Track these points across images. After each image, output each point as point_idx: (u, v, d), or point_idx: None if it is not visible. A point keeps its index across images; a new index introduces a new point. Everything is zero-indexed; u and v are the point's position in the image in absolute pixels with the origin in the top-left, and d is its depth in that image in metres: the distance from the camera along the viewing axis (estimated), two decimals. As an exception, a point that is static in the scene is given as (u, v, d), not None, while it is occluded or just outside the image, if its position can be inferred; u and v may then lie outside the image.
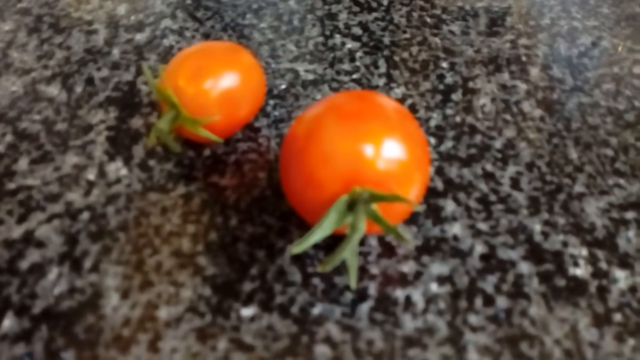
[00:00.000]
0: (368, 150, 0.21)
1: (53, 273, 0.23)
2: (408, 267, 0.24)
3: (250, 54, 0.29)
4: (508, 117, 0.31)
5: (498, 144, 0.29)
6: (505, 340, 0.21)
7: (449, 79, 0.33)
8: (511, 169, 0.28)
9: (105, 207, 0.26)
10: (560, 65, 0.34)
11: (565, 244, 0.25)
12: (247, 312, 0.22)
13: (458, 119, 0.31)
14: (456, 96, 0.32)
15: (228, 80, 0.27)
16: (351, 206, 0.21)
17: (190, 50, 0.27)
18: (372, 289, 0.23)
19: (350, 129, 0.21)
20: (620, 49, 0.35)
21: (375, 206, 0.21)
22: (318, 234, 0.21)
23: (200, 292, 0.23)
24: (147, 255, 0.24)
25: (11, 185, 0.27)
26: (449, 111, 0.31)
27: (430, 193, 0.27)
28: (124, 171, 0.28)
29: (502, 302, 0.23)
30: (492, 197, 0.26)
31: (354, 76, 0.34)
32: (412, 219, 0.26)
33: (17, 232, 0.25)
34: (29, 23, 0.39)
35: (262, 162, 0.28)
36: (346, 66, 0.35)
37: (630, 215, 0.26)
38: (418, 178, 0.22)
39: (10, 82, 0.34)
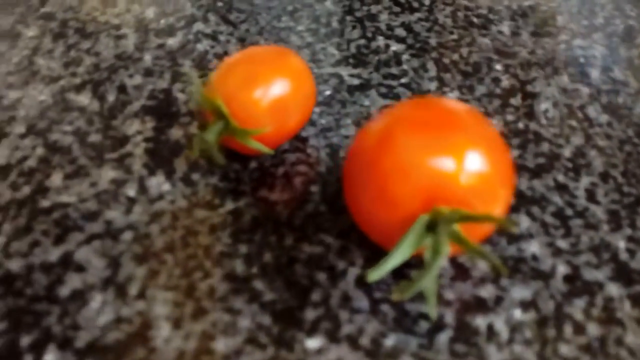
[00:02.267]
0: (449, 163, 0.19)
1: (96, 301, 0.21)
2: (487, 292, 0.21)
3: (300, 58, 0.27)
4: (574, 123, 0.29)
5: (567, 152, 0.27)
6: (604, 374, 0.19)
7: (505, 82, 0.31)
8: (585, 180, 0.26)
9: (149, 226, 0.24)
10: (621, 67, 0.32)
11: (655, 263, 0.22)
12: (312, 343, 0.20)
13: (521, 125, 0.29)
14: (515, 101, 0.30)
15: (279, 88, 0.25)
16: (430, 227, 0.19)
17: (237, 57, 0.25)
18: (449, 316, 0.21)
19: (428, 140, 0.19)
20: (684, 48, 0.33)
21: (457, 227, 0.19)
22: (397, 258, 0.18)
23: (259, 321, 0.21)
24: (198, 279, 0.22)
25: (45, 203, 0.25)
26: (509, 117, 0.29)
27: (499, 207, 0.25)
28: (166, 186, 0.26)
29: (593, 329, 0.20)
30: (569, 211, 0.24)
31: (403, 80, 0.32)
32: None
33: (54, 254, 0.23)
34: (54, 28, 0.37)
35: (312, 174, 0.26)
36: (393, 70, 0.33)
37: None
38: (502, 193, 0.20)
39: (37, 91, 0.32)
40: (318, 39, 0.35)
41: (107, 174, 0.27)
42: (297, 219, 0.24)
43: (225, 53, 0.34)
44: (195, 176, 0.26)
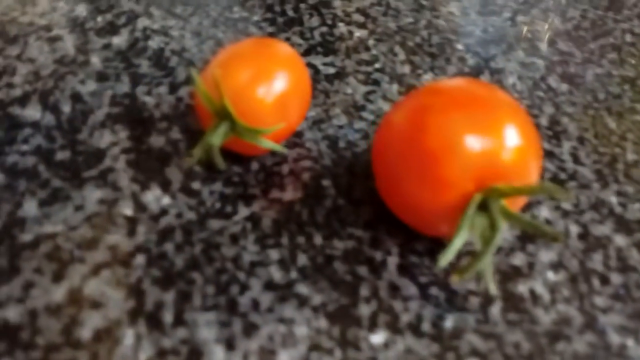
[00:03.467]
0: (491, 140, 0.19)
1: (129, 336, 0.19)
2: (519, 260, 0.23)
3: (292, 48, 0.25)
4: (541, 93, 0.31)
5: (544, 121, 0.29)
6: (636, 315, 0.21)
7: (470, 61, 0.33)
8: (566, 145, 0.28)
9: (162, 245, 0.22)
10: (563, 39, 0.35)
11: (643, 212, 0.25)
12: (377, 338, 0.20)
13: (497, 100, 0.30)
14: (485, 77, 0.32)
15: (281, 83, 0.23)
16: (480, 205, 0.19)
17: (230, 53, 0.24)
18: (494, 289, 0.21)
19: (467, 118, 0.19)
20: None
21: (505, 203, 0.19)
22: (459, 240, 0.19)
23: (317, 326, 0.20)
24: (237, 293, 0.20)
25: (26, 237, 0.22)
26: (485, 93, 0.30)
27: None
28: (166, 199, 0.23)
29: (616, 278, 0.22)
30: (563, 175, 0.26)
31: (377, 65, 0.32)
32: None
33: (58, 293, 0.20)
34: (-34, 34, 0.31)
35: (319, 168, 0.26)
36: (364, 55, 0.32)
37: (683, 175, 0.27)
38: (535, 166, 0.20)
39: (-31, 108, 0.27)
40: (279, 29, 0.34)
41: (92, 195, 0.23)
42: (319, 216, 0.23)
43: (183, 49, 0.32)
44: (196, 185, 0.24)
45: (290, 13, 0.35)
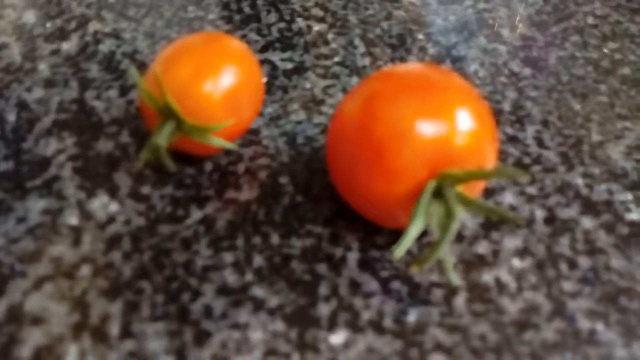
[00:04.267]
0: (443, 125, 0.18)
1: (72, 353, 0.18)
2: (483, 248, 0.22)
3: (241, 42, 0.24)
4: (503, 79, 0.30)
5: (507, 106, 0.29)
6: (605, 299, 0.20)
7: (431, 50, 0.32)
8: (530, 129, 0.27)
9: (108, 255, 0.21)
10: (525, 25, 0.35)
11: (610, 192, 0.24)
12: (336, 338, 0.19)
13: (459, 87, 0.29)
14: (446, 66, 0.31)
15: (229, 78, 0.22)
16: (435, 193, 0.19)
17: (174, 49, 0.23)
18: (458, 279, 0.21)
19: (417, 104, 0.19)
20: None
21: (461, 189, 0.19)
22: (414, 229, 0.18)
23: (273, 329, 0.19)
24: (188, 300, 0.19)
25: None
26: (447, 81, 0.30)
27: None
28: (113, 206, 0.22)
29: (584, 262, 0.22)
30: (527, 160, 0.26)
31: (336, 59, 0.31)
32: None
33: (-4, 311, 0.19)
34: None
35: (276, 166, 0.25)
36: (323, 50, 0.32)
37: (648, 154, 0.27)
38: (491, 149, 0.20)
39: None
40: (235, 26, 0.33)
41: (36, 205, 0.22)
42: (277, 215, 0.23)
43: (135, 51, 0.31)
44: (145, 189, 0.23)
45: (247, 10, 0.34)
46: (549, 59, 0.32)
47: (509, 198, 0.24)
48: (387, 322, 0.19)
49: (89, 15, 0.33)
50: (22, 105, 0.27)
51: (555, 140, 0.27)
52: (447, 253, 0.18)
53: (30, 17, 0.33)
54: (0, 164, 0.24)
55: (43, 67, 0.29)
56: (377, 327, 0.19)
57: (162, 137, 0.21)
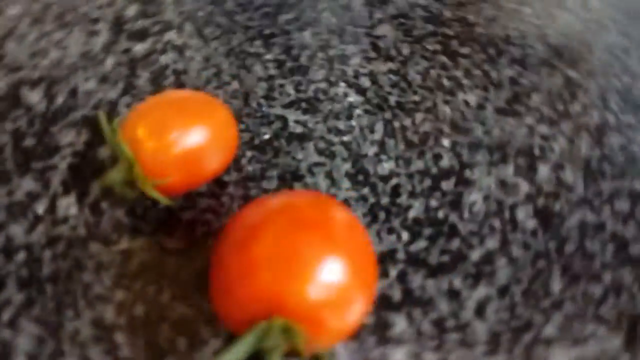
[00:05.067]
0: (298, 272, 0.19)
1: (-32, 319, 0.23)
2: (330, 394, 0.22)
3: (225, 108, 0.26)
4: (497, 223, 0.28)
5: (476, 255, 0.26)
6: None
7: (445, 162, 0.30)
8: (481, 291, 0.25)
9: (44, 251, 0.25)
10: (575, 167, 0.31)
11: (513, 401, 0.22)
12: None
13: (441, 214, 0.28)
14: (447, 185, 0.29)
15: (195, 137, 0.25)
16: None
17: (156, 100, 0.25)
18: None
19: (280, 247, 0.19)
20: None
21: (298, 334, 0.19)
22: (231, 355, 0.19)
23: (107, 375, 0.22)
24: (68, 318, 0.23)
25: (-40, 204, 0.26)
26: (433, 202, 0.28)
27: (385, 303, 0.24)
28: (73, 210, 0.27)
29: None
30: (450, 323, 0.24)
31: (345, 138, 0.31)
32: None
33: (-51, 260, 0.24)
34: (36, 11, 0.37)
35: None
36: (340, 124, 0.32)
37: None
38: (358, 307, 0.19)
39: (-5, 79, 0.33)
40: (280, 74, 0.35)
41: (27, 185, 0.27)
42: (184, 274, 0.25)
43: (184, 72, 0.34)
44: (105, 205, 0.27)
45: (304, 60, 0.36)
46: (569, 220, 0.28)
47: (399, 354, 0.23)
48: (196, 419, 0.21)
49: (173, 23, 0.38)
50: (72, 93, 0.32)
51: (500, 314, 0.24)
52: None
53: (131, 10, 0.38)
54: (27, 139, 0.30)
55: (108, 62, 0.34)
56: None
57: (116, 174, 0.25)
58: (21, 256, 0.25)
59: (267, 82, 0.34)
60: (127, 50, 0.35)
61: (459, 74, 0.36)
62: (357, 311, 0.20)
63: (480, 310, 0.24)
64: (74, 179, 0.28)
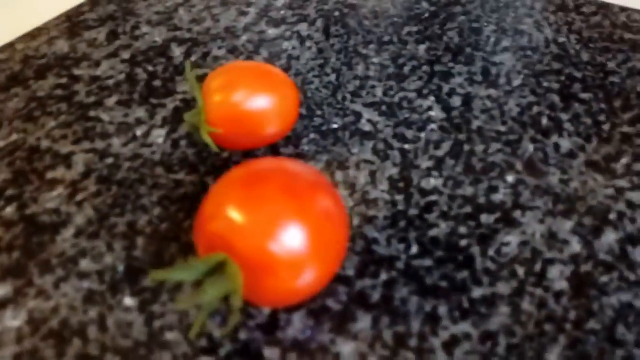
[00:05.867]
0: (256, 222, 0.21)
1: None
2: (268, 352, 0.23)
3: (293, 86, 0.29)
4: (521, 271, 0.25)
5: (478, 293, 0.25)
6: None
7: (498, 197, 0.29)
8: (463, 327, 0.23)
9: (125, 162, 0.31)
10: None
11: None
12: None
13: (463, 243, 0.26)
14: (486, 219, 0.28)
15: (258, 101, 0.28)
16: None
17: (240, 64, 0.30)
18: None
19: (253, 199, 0.21)
20: None
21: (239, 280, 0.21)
22: (174, 276, 0.21)
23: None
24: (114, 214, 0.29)
25: (91, 113, 0.34)
26: (461, 230, 0.27)
27: (360, 299, 0.25)
28: (160, 140, 0.33)
29: None
30: (413, 342, 0.23)
31: (406, 146, 0.31)
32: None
33: (65, 149, 0.32)
34: (213, -10, 0.46)
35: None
36: (410, 133, 0.32)
37: None
38: (315, 267, 0.21)
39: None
40: (376, 77, 0.36)
41: (138, 112, 0.34)
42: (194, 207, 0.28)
43: (297, 58, 0.38)
44: (183, 143, 0.32)
45: (406, 70, 0.37)
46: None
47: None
48: (157, 322, 0.24)
49: (310, 18, 0.42)
50: (204, 55, 0.39)
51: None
52: (204, 317, 0.21)
53: (280, 2, 0.44)
54: (156, 81, 0.37)
55: (244, 38, 0.40)
56: None
57: (189, 115, 0.29)
58: (110, 160, 0.31)
59: (362, 81, 0.36)
60: (261, 32, 0.41)
61: (565, 117, 0.33)
62: (302, 280, 0.21)
63: (450, 345, 0.23)
64: (172, 118, 0.34)
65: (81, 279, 0.25)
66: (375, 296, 0.25)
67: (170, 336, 0.23)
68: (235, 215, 0.21)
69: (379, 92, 0.35)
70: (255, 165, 0.23)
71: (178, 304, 0.20)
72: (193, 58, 0.38)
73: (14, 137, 0.32)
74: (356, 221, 0.27)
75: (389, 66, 0.37)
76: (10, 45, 0.40)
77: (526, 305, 0.24)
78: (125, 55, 0.39)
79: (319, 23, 0.41)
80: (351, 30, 0.41)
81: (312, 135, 0.32)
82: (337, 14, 0.42)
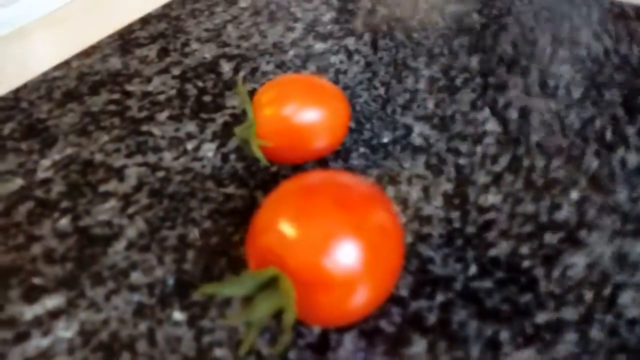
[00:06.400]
0: (310, 239, 0.20)
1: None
2: None
3: (344, 100, 0.29)
4: (588, 295, 0.24)
5: (543, 318, 0.23)
6: None
7: (561, 215, 0.27)
8: (527, 355, 0.22)
9: (184, 175, 0.31)
10: None
11: None
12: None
13: (526, 264, 0.25)
14: (550, 238, 0.26)
15: (308, 115, 0.28)
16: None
17: (290, 77, 0.29)
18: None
19: (305, 213, 0.21)
20: None
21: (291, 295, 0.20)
22: (224, 290, 0.21)
23: (166, 278, 0.26)
24: (165, 226, 0.29)
25: (143, 128, 0.35)
26: (523, 250, 0.26)
27: (415, 321, 0.23)
28: (210, 153, 0.33)
29: None
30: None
31: (461, 161, 0.30)
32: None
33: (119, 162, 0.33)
34: (258, 6, 0.46)
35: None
36: (464, 147, 0.31)
37: None
38: (369, 285, 0.20)
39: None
40: (428, 89, 0.35)
41: (189, 126, 0.35)
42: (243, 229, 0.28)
43: (344, 72, 0.38)
44: (232, 157, 0.32)
45: (458, 82, 0.36)
46: None
47: None
48: None
49: (357, 31, 0.42)
50: (253, 71, 0.39)
51: None
52: (254, 335, 0.21)
53: (327, 17, 0.44)
54: (206, 96, 0.37)
55: (291, 53, 0.40)
56: None
57: (239, 128, 0.29)
58: (161, 173, 0.32)
59: (412, 93, 0.35)
60: (308, 47, 0.41)
61: (631, 130, 0.31)
62: (356, 299, 0.20)
63: None
64: (221, 133, 0.34)
65: (131, 292, 0.25)
66: (431, 318, 0.23)
67: (219, 352, 0.22)
68: (287, 229, 0.20)
69: (430, 104, 0.34)
70: (307, 178, 0.22)
71: (228, 320, 0.19)
72: (242, 73, 0.39)
73: (69, 150, 0.33)
74: (409, 238, 0.26)
75: (440, 78, 0.36)
76: (66, 63, 0.41)
77: (595, 332, 0.22)
78: (176, 71, 0.39)
79: (367, 37, 0.41)
80: (399, 43, 0.40)
81: (361, 149, 0.32)
82: (384, 27, 0.42)
